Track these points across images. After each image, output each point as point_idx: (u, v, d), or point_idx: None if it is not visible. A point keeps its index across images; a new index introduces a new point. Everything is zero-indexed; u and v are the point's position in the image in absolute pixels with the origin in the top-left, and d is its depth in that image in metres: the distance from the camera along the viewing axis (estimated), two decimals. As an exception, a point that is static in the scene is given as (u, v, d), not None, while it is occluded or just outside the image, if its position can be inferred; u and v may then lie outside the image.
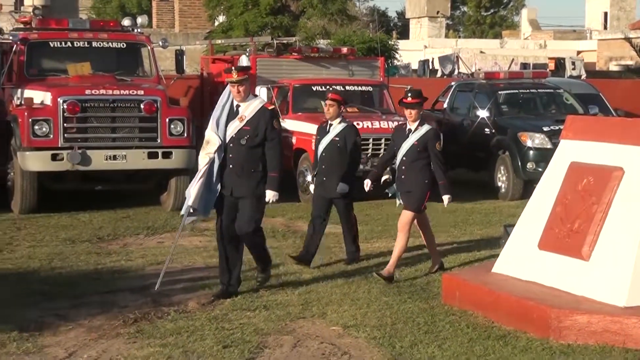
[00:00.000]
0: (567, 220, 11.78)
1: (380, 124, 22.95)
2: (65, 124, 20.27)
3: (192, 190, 12.55)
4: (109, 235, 18.43)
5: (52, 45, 22.81)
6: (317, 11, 36.91)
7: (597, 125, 13.34)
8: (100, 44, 23.03)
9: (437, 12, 64.10)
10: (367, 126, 22.48)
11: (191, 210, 12.84)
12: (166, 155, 21.13)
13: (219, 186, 12.63)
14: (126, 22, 24.25)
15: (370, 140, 22.34)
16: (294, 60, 26.31)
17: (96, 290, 13.72)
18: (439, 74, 44.84)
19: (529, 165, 23.31)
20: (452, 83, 29.35)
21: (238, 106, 12.63)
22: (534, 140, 23.47)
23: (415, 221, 14.45)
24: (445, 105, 27.33)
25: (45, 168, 20.42)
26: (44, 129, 20.21)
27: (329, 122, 15.55)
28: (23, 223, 19.76)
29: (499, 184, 24.40)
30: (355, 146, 15.71)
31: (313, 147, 21.74)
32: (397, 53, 40.29)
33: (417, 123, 13.79)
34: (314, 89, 24.40)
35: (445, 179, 14.22)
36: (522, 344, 10.61)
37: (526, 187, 22.34)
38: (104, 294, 13.49)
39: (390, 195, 15.33)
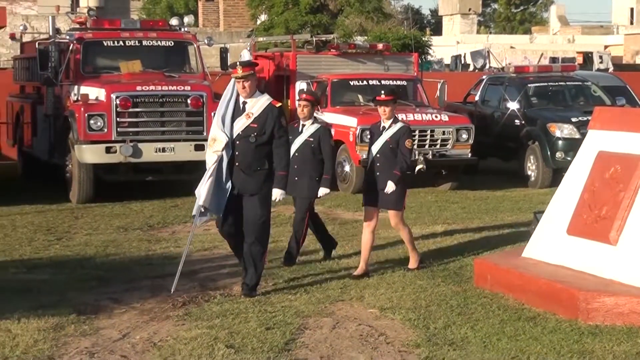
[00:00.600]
0: (595, 206, 11.71)
1: (414, 116, 22.86)
2: (118, 119, 20.46)
3: (202, 190, 11.88)
4: (158, 223, 18.58)
5: (105, 44, 23.02)
6: (354, 9, 36.86)
7: (623, 116, 13.24)
8: (150, 43, 23.20)
9: (469, 10, 63.88)
10: (401, 118, 22.36)
11: (202, 210, 12.09)
12: (211, 147, 21.06)
13: (229, 184, 11.95)
14: (174, 21, 24.47)
15: (414, 134, 22.20)
16: (332, 56, 26.30)
17: (147, 275, 13.84)
18: (470, 68, 44.53)
19: (558, 154, 23.26)
20: (483, 77, 29.20)
21: (244, 103, 11.92)
22: (562, 131, 23.39)
23: (392, 223, 13.61)
24: (476, 98, 27.19)
25: (99, 160, 20.67)
26: (99, 124, 20.40)
27: (302, 122, 14.46)
28: (80, 212, 19.98)
29: (529, 172, 24.33)
30: (331, 148, 14.79)
31: (351, 139, 21.99)
32: (431, 49, 40.24)
33: (390, 120, 13.13)
34: (352, 84, 24.57)
35: (400, 173, 13.02)
36: (552, 325, 10.58)
37: (555, 175, 22.26)
38: (155, 278, 13.59)
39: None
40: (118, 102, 20.43)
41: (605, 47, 62.76)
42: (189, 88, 21.57)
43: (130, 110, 20.84)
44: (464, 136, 22.83)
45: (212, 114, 20.68)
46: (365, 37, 30.74)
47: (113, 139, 20.52)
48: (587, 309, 10.65)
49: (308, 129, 14.21)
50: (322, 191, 14.05)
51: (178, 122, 21.14)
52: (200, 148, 20.76)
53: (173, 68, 22.74)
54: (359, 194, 21.47)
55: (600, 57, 49.47)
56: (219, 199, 11.96)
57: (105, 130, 20.25)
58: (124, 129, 20.60)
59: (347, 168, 22.62)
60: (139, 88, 21.22)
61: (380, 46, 27.49)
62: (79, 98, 21.24)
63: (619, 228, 11.28)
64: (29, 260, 15.10)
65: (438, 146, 22.65)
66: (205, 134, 20.77)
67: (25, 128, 25.81)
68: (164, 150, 21.13)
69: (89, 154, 20.39)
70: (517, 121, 25.08)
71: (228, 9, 47.36)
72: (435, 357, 9.57)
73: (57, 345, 10.10)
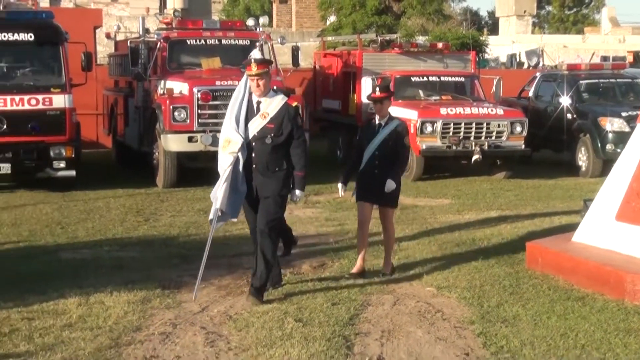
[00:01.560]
0: (643, 193, 11.59)
1: (471, 110, 22.89)
2: (199, 111, 20.60)
3: (219, 193, 10.70)
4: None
5: (188, 42, 23.24)
6: (416, 11, 36.75)
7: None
8: (228, 42, 23.41)
9: (524, 11, 63.30)
10: (459, 112, 22.42)
11: (219, 214, 10.82)
12: (282, 138, 21.14)
13: (244, 186, 10.75)
14: (250, 22, 24.63)
15: (462, 124, 22.21)
16: (395, 54, 26.24)
17: (225, 254, 13.93)
18: (525, 66, 44.29)
19: (608, 146, 23.05)
20: (537, 74, 28.89)
21: (259, 102, 10.65)
22: (613, 124, 23.15)
23: (386, 221, 12.38)
24: (530, 94, 26.94)
25: (183, 149, 20.82)
26: (182, 115, 20.57)
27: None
28: (165, 196, 20.21)
29: (580, 163, 24.15)
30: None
31: (412, 131, 21.89)
32: (487, 48, 40.01)
33: (386, 117, 11.94)
34: (413, 80, 24.61)
35: (398, 170, 12.11)
36: (599, 305, 10.46)
37: (605, 166, 21.94)
38: (231, 257, 13.76)
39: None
40: (199, 95, 20.55)
41: (655, 46, 62.04)
42: (262, 82, 21.46)
43: (210, 103, 20.93)
44: (518, 129, 22.70)
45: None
46: (426, 37, 30.57)
47: (195, 129, 20.64)
48: (633, 290, 10.54)
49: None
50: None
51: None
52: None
53: (248, 65, 22.66)
54: (419, 182, 21.67)
55: (650, 56, 48.89)
56: (235, 202, 10.88)
57: (188, 121, 20.40)
58: (204, 120, 20.68)
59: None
60: (218, 83, 21.33)
61: (440, 45, 27.45)
62: (165, 92, 21.39)
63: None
64: (120, 239, 15.35)
65: (493, 138, 22.53)
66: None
67: (119, 119, 26.07)
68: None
69: (173, 142, 20.53)
70: (569, 115, 24.84)
71: (300, 10, 47.50)
72: (489, 333, 9.52)
73: (144, 317, 10.31)
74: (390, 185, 11.57)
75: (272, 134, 10.56)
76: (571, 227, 13.49)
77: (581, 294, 10.98)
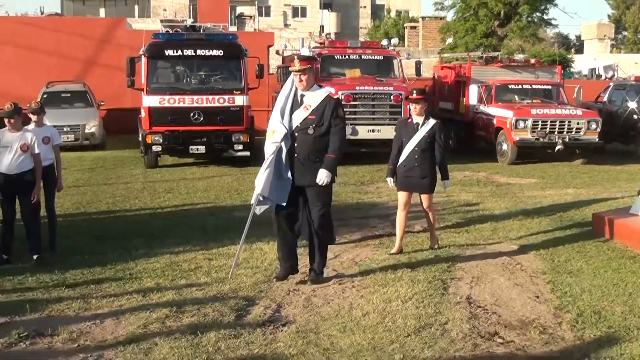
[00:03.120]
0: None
1: (555, 110, 22.58)
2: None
3: (260, 179, 9.14)
4: (367, 181, 18.66)
5: (336, 57, 23.36)
6: (515, 35, 36.29)
7: None
8: (366, 57, 23.45)
9: (604, 35, 61.95)
10: (546, 112, 22.20)
11: (261, 199, 9.26)
12: (408, 129, 21.24)
13: (289, 174, 9.19)
14: (384, 42, 25.09)
15: (548, 122, 21.96)
16: (497, 67, 25.88)
17: (355, 216, 13.97)
18: (602, 78, 43.27)
19: (666, 140, 22.41)
20: (610, 84, 28.23)
21: (302, 96, 9.26)
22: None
23: (425, 204, 11.12)
24: (604, 99, 26.31)
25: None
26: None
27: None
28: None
29: (643, 153, 23.52)
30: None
31: (508, 126, 21.75)
32: (573, 63, 39.33)
33: (423, 117, 10.80)
34: (510, 87, 24.28)
35: (445, 165, 11.11)
36: (646, 263, 10.27)
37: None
38: (361, 218, 13.72)
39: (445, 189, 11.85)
40: (343, 97, 20.59)
41: None
42: (392, 88, 21.70)
43: (351, 103, 21.12)
44: (593, 126, 22.25)
45: (408, 107, 21.09)
46: (524, 55, 30.09)
47: None
48: (672, 251, 10.29)
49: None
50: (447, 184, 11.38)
51: (384, 112, 21.29)
52: (400, 130, 21.11)
53: (382, 75, 22.86)
54: (512, 165, 21.50)
55: None
56: (282, 189, 9.23)
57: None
58: (347, 116, 20.66)
59: (504, 147, 22.45)
60: (357, 88, 21.53)
61: (532, 60, 27.19)
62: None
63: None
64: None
65: (573, 132, 22.13)
66: (402, 120, 21.11)
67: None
68: (373, 131, 21.39)
69: None
70: (635, 116, 24.38)
71: (425, 34, 47.56)
72: (556, 282, 9.46)
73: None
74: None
75: (314, 125, 9.12)
76: (630, 203, 13.21)
77: (633, 254, 10.78)
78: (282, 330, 7.64)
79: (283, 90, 9.43)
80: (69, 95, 27.05)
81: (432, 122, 10.85)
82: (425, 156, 10.70)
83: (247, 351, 7.06)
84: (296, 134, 9.15)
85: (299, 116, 9.15)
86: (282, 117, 9.18)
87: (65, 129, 24.52)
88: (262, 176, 9.12)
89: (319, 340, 7.34)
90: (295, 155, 9.14)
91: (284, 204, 9.23)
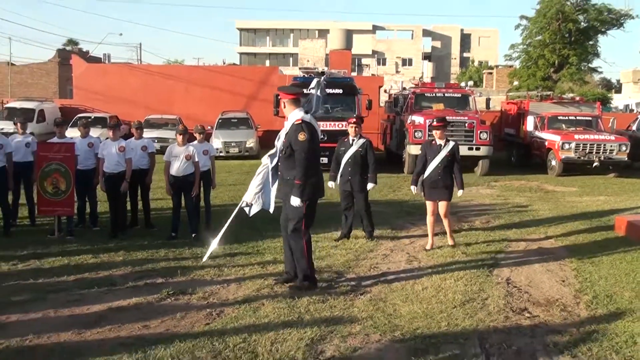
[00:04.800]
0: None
1: (594, 136, 21.35)
2: (428, 132, 20.01)
3: (251, 186, 7.72)
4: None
5: (426, 94, 22.74)
6: (567, 79, 34.73)
7: None
8: (448, 94, 22.75)
9: (638, 80, 58.70)
10: (587, 137, 21.04)
11: (246, 203, 7.68)
12: (477, 149, 20.58)
13: (274, 186, 7.64)
14: (462, 84, 24.37)
15: (587, 145, 20.86)
16: (549, 103, 24.69)
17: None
18: (634, 111, 40.97)
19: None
20: (638, 116, 26.53)
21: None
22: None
23: (442, 211, 10.03)
24: (633, 127, 24.71)
25: (417, 153, 20.35)
26: (419, 134, 20.24)
27: (351, 137, 10.43)
28: (403, 179, 19.56)
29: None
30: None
31: (556, 147, 20.69)
32: (612, 100, 37.37)
33: (444, 140, 9.99)
34: (559, 118, 23.00)
35: (461, 179, 10.09)
36: (653, 256, 9.46)
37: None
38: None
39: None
40: (429, 123, 20.03)
41: None
42: (466, 118, 20.87)
43: (432, 127, 20.35)
44: (623, 148, 20.95)
45: (479, 131, 20.38)
46: (573, 94, 28.69)
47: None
48: (674, 249, 9.41)
49: (357, 142, 10.32)
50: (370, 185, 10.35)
51: (459, 134, 20.42)
52: (472, 149, 20.48)
53: (460, 108, 22.10)
54: (559, 177, 20.46)
55: None
56: (268, 197, 7.66)
57: (422, 137, 19.88)
58: (430, 138, 20.15)
59: (553, 162, 21.36)
60: (439, 116, 20.72)
61: (577, 98, 25.82)
62: (411, 121, 21.16)
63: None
64: (377, 201, 14.45)
65: (607, 153, 20.90)
66: (474, 141, 20.46)
67: (387, 135, 25.94)
68: (451, 149, 20.61)
69: (413, 149, 20.10)
70: (657, 141, 22.84)
71: (498, 78, 46.12)
72: (580, 269, 8.78)
73: (375, 245, 10.10)
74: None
75: (284, 148, 7.42)
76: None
77: (644, 249, 9.96)
78: (359, 298, 7.29)
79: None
80: (236, 120, 27.38)
81: (451, 144, 10.09)
82: (446, 171, 9.91)
83: (329, 313, 6.76)
84: (280, 154, 7.52)
85: (281, 139, 7.51)
86: (278, 140, 7.57)
87: (232, 144, 25.27)
88: (252, 182, 7.72)
89: (385, 307, 6.97)
90: (279, 173, 7.56)
91: (271, 211, 7.73)
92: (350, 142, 10.41)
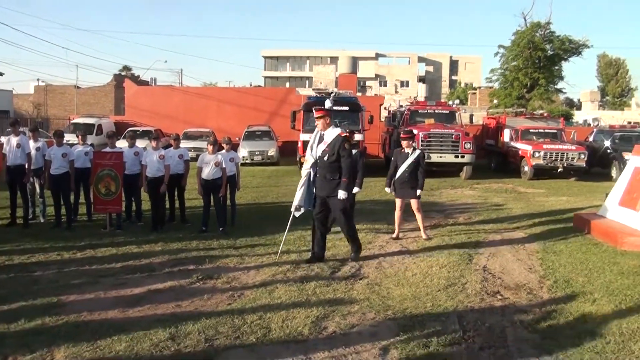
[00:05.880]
0: (631, 192, 10.24)
1: (559, 146, 21.09)
2: (421, 143, 19.83)
3: (297, 194, 8.16)
4: (435, 188, 17.66)
5: (419, 111, 22.49)
6: (537, 98, 34.38)
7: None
8: (438, 111, 22.46)
9: (594, 100, 58.27)
10: (553, 147, 20.88)
11: (297, 206, 8.18)
12: (462, 156, 20.32)
13: (314, 189, 8.12)
14: (450, 102, 24.13)
15: (554, 153, 20.66)
16: (523, 118, 24.45)
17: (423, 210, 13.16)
18: (591, 125, 40.24)
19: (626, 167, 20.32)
20: (594, 129, 26.01)
21: (323, 134, 8.04)
22: (627, 156, 20.21)
23: (415, 207, 9.99)
24: (590, 139, 24.22)
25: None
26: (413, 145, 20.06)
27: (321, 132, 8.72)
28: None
29: (613, 174, 21.57)
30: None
31: (528, 155, 20.42)
32: (573, 116, 36.94)
33: (411, 149, 9.93)
34: (530, 131, 22.76)
35: (423, 181, 9.97)
36: (604, 248, 9.30)
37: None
38: (425, 212, 12.76)
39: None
40: (422, 135, 19.91)
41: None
42: (453, 131, 20.58)
43: (427, 140, 20.23)
44: (582, 156, 20.69)
45: (463, 142, 20.15)
46: (542, 110, 28.37)
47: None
48: (622, 241, 9.30)
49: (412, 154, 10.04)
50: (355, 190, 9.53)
51: (447, 145, 20.23)
52: (457, 157, 20.21)
53: (447, 122, 21.79)
54: (530, 181, 20.27)
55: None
56: (310, 198, 8.16)
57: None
58: (422, 147, 19.83)
59: (525, 168, 21.14)
60: (431, 130, 20.55)
61: (545, 114, 25.39)
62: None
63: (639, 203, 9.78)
64: (376, 201, 14.52)
65: (569, 160, 20.65)
66: (459, 150, 20.26)
67: (387, 145, 25.50)
68: (440, 157, 20.29)
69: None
70: (608, 150, 22.53)
71: (481, 97, 45.73)
72: (545, 259, 8.66)
73: (374, 238, 9.94)
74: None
75: (328, 154, 7.95)
76: (599, 207, 12.10)
77: (597, 242, 9.76)
78: (358, 283, 7.23)
79: (314, 132, 8.20)
80: (260, 133, 27.26)
81: (417, 152, 10.04)
82: (412, 174, 9.86)
83: (332, 295, 6.70)
84: (318, 160, 8.05)
85: (320, 148, 8.01)
86: (312, 150, 8.08)
87: (256, 153, 25.29)
88: (298, 192, 8.14)
89: (380, 291, 6.91)
90: (318, 175, 8.05)
91: (311, 208, 8.13)
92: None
